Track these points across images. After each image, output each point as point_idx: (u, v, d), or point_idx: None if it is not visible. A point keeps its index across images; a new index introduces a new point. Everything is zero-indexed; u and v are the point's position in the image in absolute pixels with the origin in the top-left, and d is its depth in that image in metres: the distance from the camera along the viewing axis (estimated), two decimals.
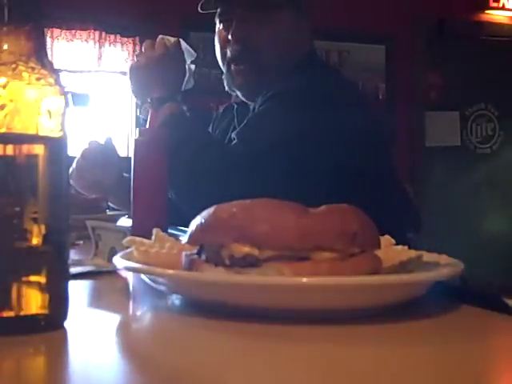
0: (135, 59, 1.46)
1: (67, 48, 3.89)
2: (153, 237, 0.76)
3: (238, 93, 1.51)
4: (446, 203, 4.41)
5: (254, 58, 1.44)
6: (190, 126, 1.34)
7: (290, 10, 1.46)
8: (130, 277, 0.85)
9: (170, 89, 1.39)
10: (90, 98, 3.80)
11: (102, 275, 0.86)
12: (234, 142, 1.31)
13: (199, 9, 1.50)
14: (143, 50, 1.43)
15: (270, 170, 1.24)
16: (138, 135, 1.09)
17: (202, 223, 0.65)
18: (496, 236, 4.38)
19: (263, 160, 1.24)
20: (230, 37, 1.45)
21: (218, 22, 1.50)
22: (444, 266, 0.67)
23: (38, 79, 0.56)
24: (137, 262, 0.68)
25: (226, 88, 1.52)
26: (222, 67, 1.51)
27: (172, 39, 1.42)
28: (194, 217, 0.68)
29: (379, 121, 1.62)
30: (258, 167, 1.24)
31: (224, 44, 1.48)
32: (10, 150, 0.55)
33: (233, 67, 1.47)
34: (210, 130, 1.69)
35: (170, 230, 1.00)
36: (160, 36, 1.43)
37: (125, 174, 1.49)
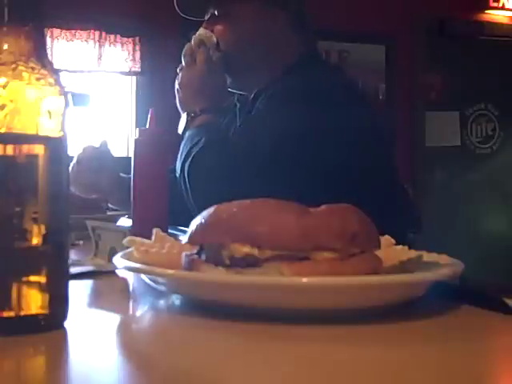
0: (178, 73, 1.46)
1: (67, 48, 3.89)
2: (153, 237, 0.76)
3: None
4: (446, 203, 4.41)
5: (223, 59, 1.46)
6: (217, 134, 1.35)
7: (249, 7, 1.46)
8: (129, 277, 0.85)
9: (213, 100, 1.40)
10: (90, 97, 3.80)
11: (102, 275, 0.85)
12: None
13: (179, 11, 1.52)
14: (184, 64, 1.43)
15: (270, 170, 1.24)
16: (137, 135, 1.09)
17: (202, 223, 0.65)
18: (496, 236, 4.38)
19: (264, 159, 1.25)
20: None
21: None
22: (444, 266, 0.67)
23: (38, 79, 0.56)
24: (137, 261, 0.68)
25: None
26: None
27: (210, 36, 1.42)
28: (194, 217, 0.68)
29: (380, 120, 1.62)
30: (258, 167, 1.24)
31: None
32: (10, 149, 0.55)
33: None
34: None
35: (170, 230, 1.00)
36: (198, 33, 1.42)
37: (122, 175, 1.49)
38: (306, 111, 1.29)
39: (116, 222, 1.25)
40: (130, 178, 1.10)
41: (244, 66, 1.47)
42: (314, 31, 1.54)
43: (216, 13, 1.47)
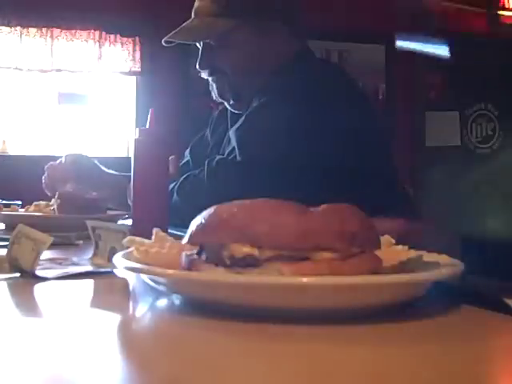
0: None
1: (67, 48, 3.89)
2: (153, 237, 0.76)
3: (225, 103, 1.54)
4: (446, 203, 4.41)
5: (222, 79, 1.49)
6: None
7: (245, 29, 1.47)
8: (129, 277, 0.85)
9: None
10: (90, 98, 3.81)
11: (102, 275, 0.85)
12: (231, 146, 1.33)
13: (163, 42, 1.51)
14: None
15: (269, 170, 1.25)
16: (137, 135, 1.09)
17: (202, 223, 0.65)
18: (496, 236, 4.38)
19: (262, 160, 1.25)
20: (197, 66, 1.50)
21: None
22: (444, 266, 0.67)
23: None
24: (137, 261, 0.68)
25: (214, 98, 1.55)
26: None
27: None
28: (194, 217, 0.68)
29: (379, 118, 1.63)
30: (256, 167, 1.25)
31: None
32: None
33: (210, 83, 1.53)
34: (208, 133, 1.70)
35: (170, 230, 1.00)
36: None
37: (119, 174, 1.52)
38: (303, 110, 1.29)
39: (116, 222, 1.25)
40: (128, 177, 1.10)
41: (247, 82, 1.47)
42: (304, 26, 1.54)
43: (212, 43, 1.47)
